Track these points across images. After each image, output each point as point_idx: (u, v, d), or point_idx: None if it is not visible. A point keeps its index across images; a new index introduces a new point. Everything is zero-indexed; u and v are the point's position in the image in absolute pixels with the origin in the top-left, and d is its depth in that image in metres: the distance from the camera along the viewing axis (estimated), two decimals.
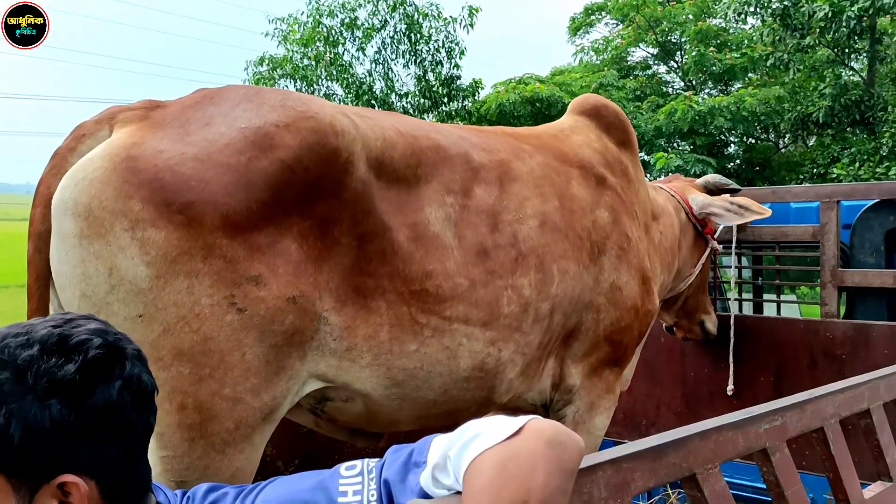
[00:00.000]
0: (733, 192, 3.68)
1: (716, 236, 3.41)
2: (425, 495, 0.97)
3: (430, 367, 2.10)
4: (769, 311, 4.24)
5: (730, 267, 3.93)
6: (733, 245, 3.67)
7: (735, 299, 4.06)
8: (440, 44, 16.37)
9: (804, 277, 4.16)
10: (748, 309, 4.27)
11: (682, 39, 17.99)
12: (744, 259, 4.23)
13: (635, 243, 2.64)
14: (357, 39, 16.29)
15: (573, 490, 1.06)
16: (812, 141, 16.34)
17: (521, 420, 0.96)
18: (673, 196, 3.30)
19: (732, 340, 3.55)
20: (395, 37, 16.37)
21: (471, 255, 2.14)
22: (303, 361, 1.90)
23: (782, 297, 4.26)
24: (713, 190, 3.54)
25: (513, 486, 0.88)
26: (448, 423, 2.33)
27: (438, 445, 0.99)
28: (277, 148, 1.82)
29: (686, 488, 1.32)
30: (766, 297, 4.25)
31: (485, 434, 0.94)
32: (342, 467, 1.05)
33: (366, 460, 1.06)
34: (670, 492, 3.79)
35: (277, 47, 16.36)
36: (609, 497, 1.10)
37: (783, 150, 17.62)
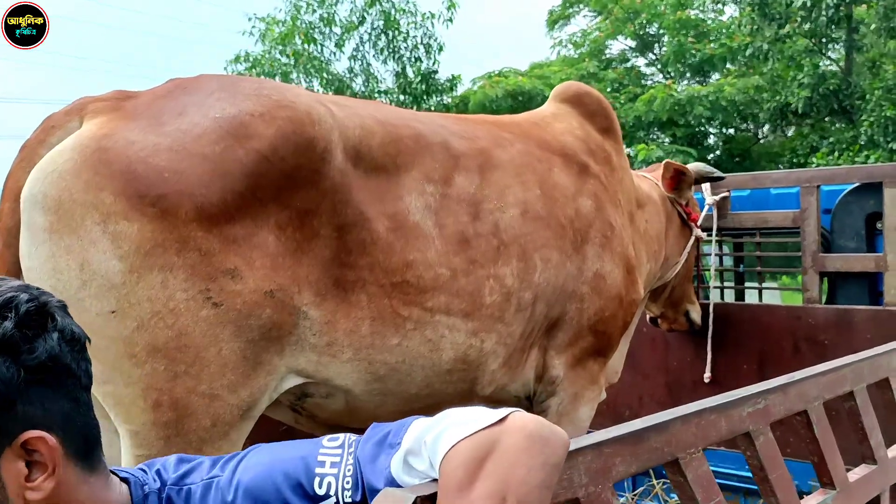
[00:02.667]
0: (717, 179, 3.69)
1: (699, 224, 3.42)
2: (393, 480, 0.94)
3: (412, 361, 2.07)
4: (751, 298, 4.26)
5: (710, 255, 3.93)
6: (713, 232, 3.67)
7: (716, 287, 4.07)
8: (418, 40, 16.30)
9: (785, 264, 4.18)
10: (730, 297, 4.28)
11: (661, 31, 18.07)
12: (725, 247, 4.24)
13: (619, 231, 2.62)
14: (335, 36, 16.19)
15: None
16: (791, 131, 16.49)
17: (504, 411, 0.93)
18: (657, 185, 3.30)
19: (711, 328, 3.56)
20: (374, 32, 16.29)
21: (452, 244, 2.12)
22: (281, 357, 1.87)
23: (764, 285, 4.27)
24: (697, 178, 3.54)
25: (490, 480, 0.85)
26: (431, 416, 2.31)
27: (415, 429, 0.96)
28: (253, 137, 1.78)
29: (669, 473, 1.31)
30: (747, 284, 4.27)
31: (464, 423, 0.91)
32: (325, 438, 1.03)
33: (349, 434, 1.04)
34: (655, 482, 3.80)
35: (255, 44, 16.25)
36: (590, 482, 1.08)
37: (762, 141, 17.77)
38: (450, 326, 2.11)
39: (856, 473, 1.84)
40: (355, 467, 0.97)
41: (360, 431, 2.48)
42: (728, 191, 3.76)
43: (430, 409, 2.24)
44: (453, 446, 0.89)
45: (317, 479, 0.96)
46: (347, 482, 0.95)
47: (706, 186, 3.69)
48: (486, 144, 2.33)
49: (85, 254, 1.64)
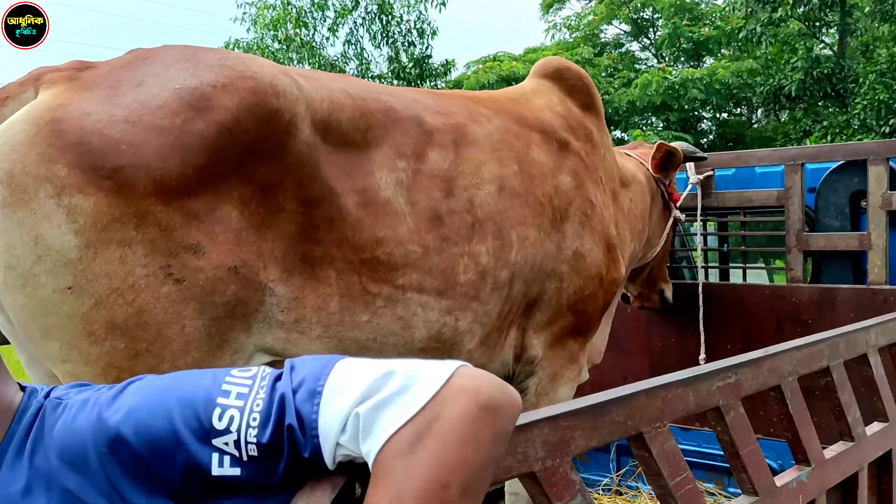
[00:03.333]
0: (700, 159, 3.65)
1: (678, 204, 3.38)
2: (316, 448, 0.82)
3: (383, 339, 2.03)
4: (736, 278, 4.22)
5: (695, 234, 3.90)
6: (698, 212, 3.63)
7: (701, 266, 4.04)
8: (412, 24, 16.18)
9: (770, 243, 4.13)
10: (714, 276, 4.25)
11: (655, 16, 17.97)
12: (709, 226, 4.20)
13: (599, 209, 2.57)
14: (328, 20, 16.06)
15: (507, 450, 0.99)
16: (784, 115, 16.43)
17: (448, 370, 0.82)
18: (642, 163, 3.25)
19: (702, 309, 3.52)
20: (367, 17, 16.16)
21: (424, 221, 2.07)
22: (248, 334, 1.83)
23: (749, 265, 4.23)
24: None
25: (431, 468, 0.75)
26: None
27: (342, 385, 0.82)
28: (214, 109, 1.72)
29: (633, 448, 1.27)
30: (732, 264, 4.23)
31: (404, 395, 0.80)
32: (235, 369, 0.90)
33: (264, 367, 0.91)
34: (614, 476, 3.78)
35: (248, 32, 16.11)
36: (546, 456, 1.05)
37: (756, 126, 17.72)
38: (422, 304, 2.06)
39: (832, 450, 1.81)
40: (268, 403, 0.83)
41: None
42: (712, 170, 3.72)
43: None
44: (393, 436, 0.77)
45: (217, 410, 0.82)
46: (254, 419, 0.82)
47: (690, 166, 3.65)
48: (461, 120, 2.28)
49: (39, 228, 1.59)
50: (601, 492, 3.67)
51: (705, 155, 3.63)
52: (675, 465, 1.31)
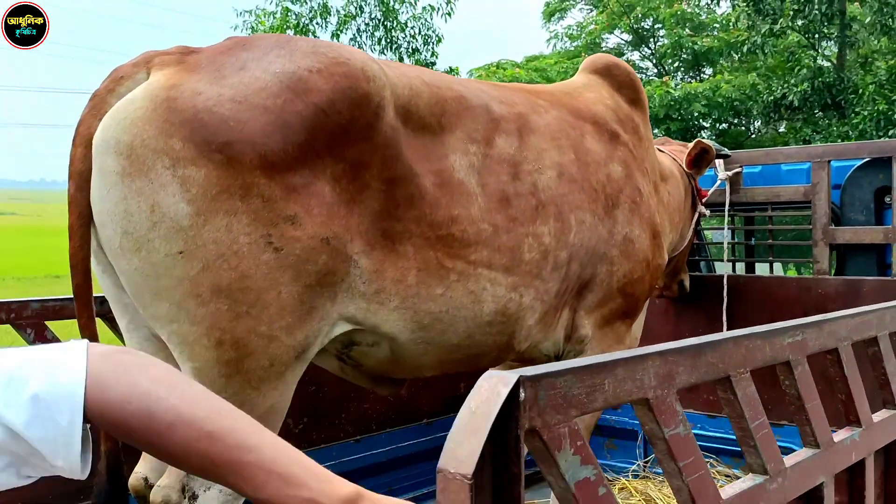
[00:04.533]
0: (724, 156, 3.82)
1: (705, 200, 3.55)
2: None
3: (455, 311, 2.17)
4: (762, 271, 4.37)
5: (722, 228, 4.05)
6: (726, 207, 3.79)
7: (728, 260, 4.20)
8: (416, 31, 16.34)
9: (796, 237, 4.28)
10: (740, 270, 4.40)
11: (656, 26, 18.20)
12: (736, 221, 4.36)
13: (646, 198, 2.73)
14: (329, 26, 16.17)
15: (628, 376, 1.14)
16: (783, 126, 16.67)
17: (78, 350, 0.87)
18: (675, 160, 3.42)
19: (726, 300, 3.67)
20: (371, 23, 16.30)
21: (493, 202, 2.21)
22: (333, 303, 1.96)
23: (775, 258, 4.38)
24: None
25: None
26: (469, 368, 2.41)
27: None
28: (311, 92, 1.87)
29: (721, 392, 1.41)
30: (759, 258, 4.37)
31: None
32: None
33: None
34: (641, 462, 3.92)
35: None
36: (657, 386, 1.19)
37: (754, 136, 17.95)
38: (491, 280, 2.20)
39: (879, 416, 1.95)
40: None
41: (401, 383, 2.55)
42: (741, 166, 3.88)
43: (469, 360, 2.34)
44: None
45: None
46: None
47: (719, 162, 3.82)
48: (523, 110, 2.43)
49: (156, 196, 1.73)
50: (631, 477, 3.81)
51: (729, 152, 3.82)
52: (755, 409, 1.45)
